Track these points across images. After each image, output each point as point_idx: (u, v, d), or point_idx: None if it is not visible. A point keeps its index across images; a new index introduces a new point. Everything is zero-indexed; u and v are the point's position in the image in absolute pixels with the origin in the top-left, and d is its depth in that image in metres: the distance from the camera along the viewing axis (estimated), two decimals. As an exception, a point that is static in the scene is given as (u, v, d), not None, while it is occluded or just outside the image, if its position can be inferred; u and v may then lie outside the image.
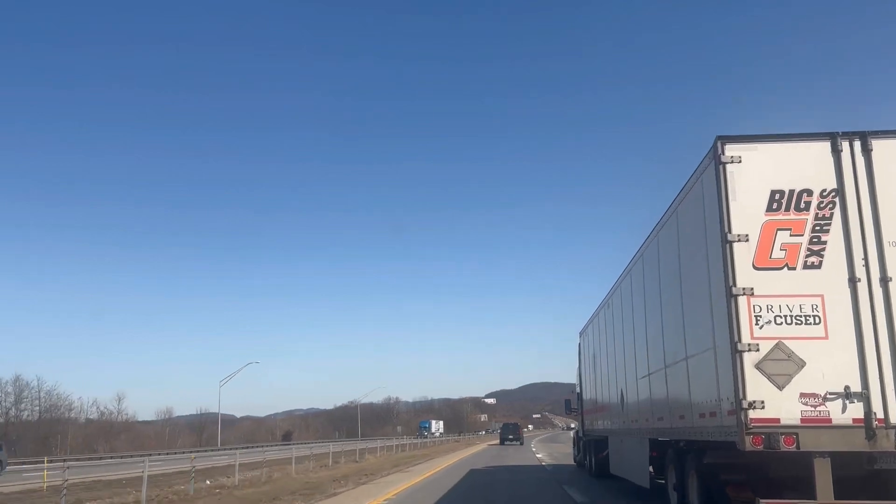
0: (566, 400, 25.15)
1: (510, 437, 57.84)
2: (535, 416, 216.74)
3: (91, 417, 77.53)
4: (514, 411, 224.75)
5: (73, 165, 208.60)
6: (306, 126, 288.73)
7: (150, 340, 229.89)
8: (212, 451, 55.64)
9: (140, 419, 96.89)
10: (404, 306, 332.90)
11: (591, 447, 18.84)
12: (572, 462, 24.92)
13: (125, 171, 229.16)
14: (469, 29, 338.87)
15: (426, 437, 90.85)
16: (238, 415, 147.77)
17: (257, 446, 62.84)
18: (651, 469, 11.24)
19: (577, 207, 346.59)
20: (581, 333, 20.51)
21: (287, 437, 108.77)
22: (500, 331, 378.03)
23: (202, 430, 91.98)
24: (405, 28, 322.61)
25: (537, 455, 33.12)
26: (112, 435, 74.08)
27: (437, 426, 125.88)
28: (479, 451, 43.99)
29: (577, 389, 22.03)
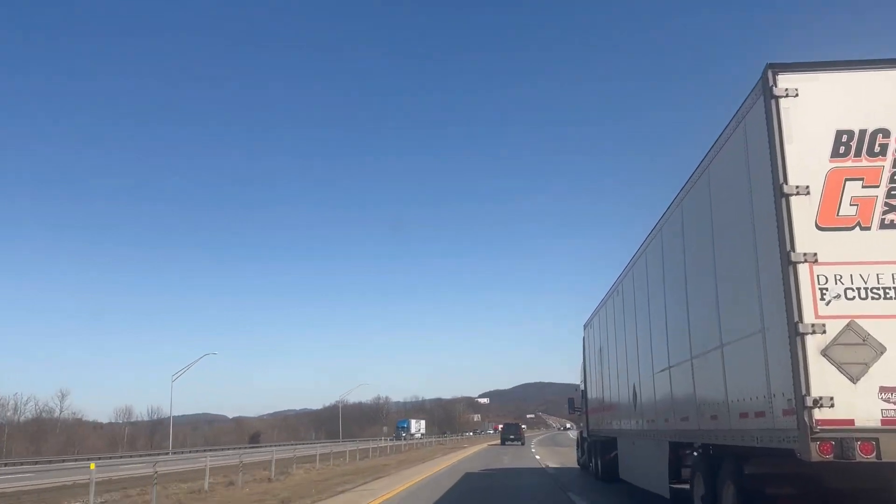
0: (569, 398, 23.71)
1: (511, 436, 58.26)
2: (528, 415, 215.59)
3: (27, 417, 72.07)
4: (507, 411, 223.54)
5: (49, 158, 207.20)
6: (300, 123, 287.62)
7: (143, 340, 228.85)
8: (131, 457, 47.46)
9: (101, 420, 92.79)
10: (399, 306, 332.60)
11: (598, 449, 17.41)
12: (577, 465, 23.48)
13: (114, 168, 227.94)
14: (465, 21, 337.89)
15: (404, 439, 77.33)
16: (230, 415, 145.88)
17: (206, 450, 56.04)
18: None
19: (573, 206, 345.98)
20: (585, 326, 19.07)
21: (255, 440, 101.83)
22: (493, 331, 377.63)
23: (153, 431, 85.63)
24: (404, 22, 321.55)
25: (549, 470, 23.52)
26: (39, 436, 67.83)
27: (417, 426, 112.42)
28: (464, 458, 33.09)
29: (582, 387, 20.60)
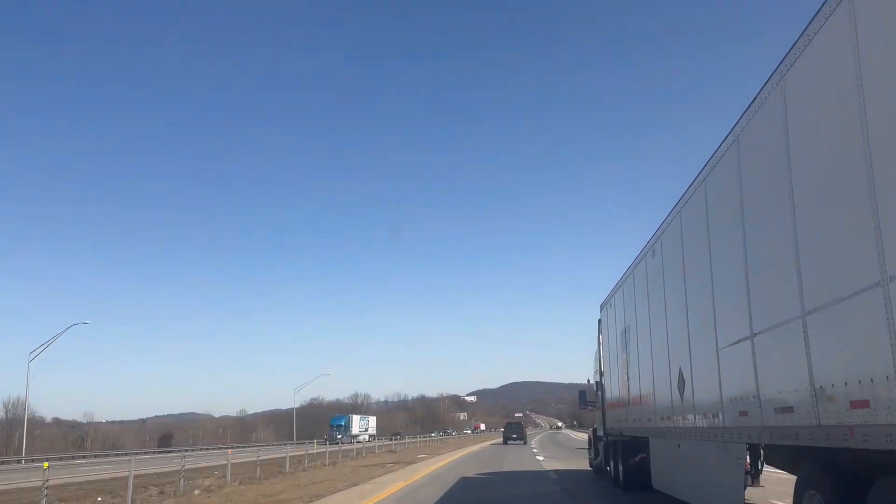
0: (580, 392, 20.75)
1: (514, 436, 56.26)
2: (517, 414, 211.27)
3: None
4: (495, 410, 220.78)
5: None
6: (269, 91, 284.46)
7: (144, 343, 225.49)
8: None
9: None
10: (390, 305, 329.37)
11: (618, 450, 14.58)
12: (588, 467, 20.66)
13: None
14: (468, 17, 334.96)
15: (340, 442, 53.88)
16: (216, 414, 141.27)
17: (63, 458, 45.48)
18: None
19: (564, 206, 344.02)
20: (602, 306, 16.26)
21: (164, 442, 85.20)
22: (481, 330, 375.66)
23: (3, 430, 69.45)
24: (405, 21, 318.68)
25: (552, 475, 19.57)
26: None
27: (362, 425, 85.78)
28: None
29: (596, 377, 17.77)
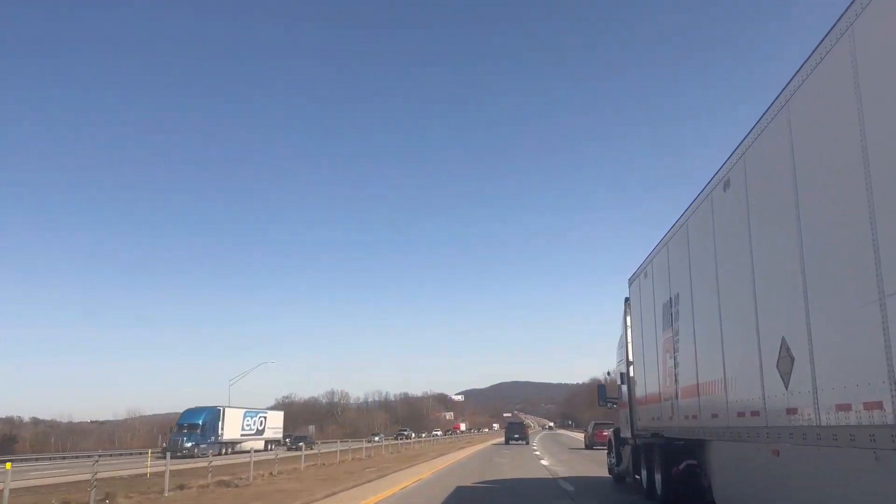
0: (599, 386, 17.83)
1: (516, 435, 56.09)
2: (506, 414, 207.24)
3: None
4: (484, 410, 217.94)
5: None
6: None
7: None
8: None
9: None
10: (381, 305, 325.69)
11: (654, 456, 11.71)
12: (607, 474, 17.74)
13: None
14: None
15: (192, 453, 40.68)
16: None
17: None
18: None
19: (556, 205, 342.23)
20: (633, 279, 13.38)
21: (5, 448, 63.32)
22: (471, 330, 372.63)
23: None
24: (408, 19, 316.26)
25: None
26: None
27: (252, 424, 52.62)
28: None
29: (621, 368, 14.88)
